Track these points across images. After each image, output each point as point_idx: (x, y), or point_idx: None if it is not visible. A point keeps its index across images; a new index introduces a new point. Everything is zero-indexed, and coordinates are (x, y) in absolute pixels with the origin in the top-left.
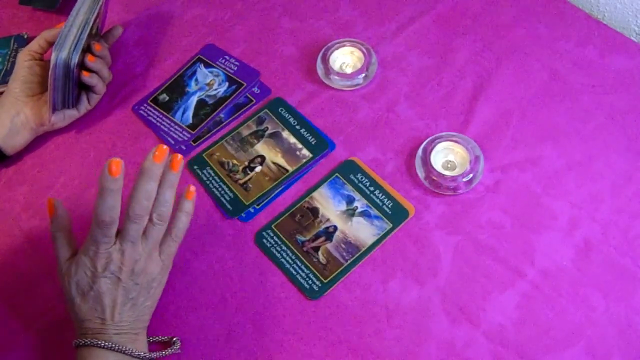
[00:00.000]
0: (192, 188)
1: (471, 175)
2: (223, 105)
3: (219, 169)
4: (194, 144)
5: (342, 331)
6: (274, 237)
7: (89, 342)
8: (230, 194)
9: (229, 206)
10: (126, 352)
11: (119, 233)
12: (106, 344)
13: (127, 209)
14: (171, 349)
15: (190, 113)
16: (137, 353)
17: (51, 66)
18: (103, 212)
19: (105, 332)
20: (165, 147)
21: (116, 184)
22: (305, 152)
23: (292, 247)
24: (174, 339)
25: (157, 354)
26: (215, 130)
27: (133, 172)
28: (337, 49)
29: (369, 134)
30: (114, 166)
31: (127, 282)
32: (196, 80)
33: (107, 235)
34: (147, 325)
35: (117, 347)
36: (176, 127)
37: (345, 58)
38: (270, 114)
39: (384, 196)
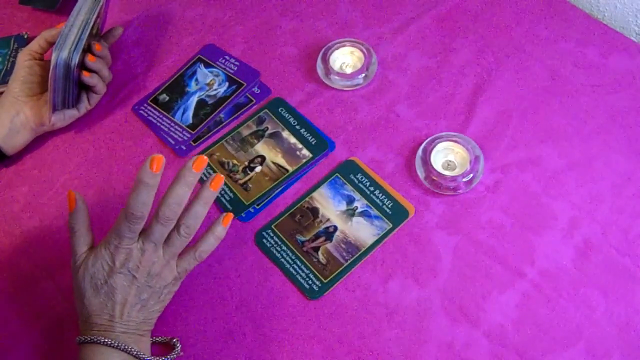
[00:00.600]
0: (230, 216)
1: (471, 175)
2: (223, 105)
3: (219, 169)
4: (194, 144)
5: (342, 331)
6: (274, 237)
7: (94, 339)
8: (230, 194)
9: (229, 206)
10: (131, 352)
11: (143, 232)
12: (112, 342)
13: (157, 211)
14: (173, 354)
15: (190, 113)
16: (141, 355)
17: (51, 66)
18: (135, 206)
19: (112, 329)
20: (205, 157)
21: (154, 179)
22: (305, 152)
23: (292, 247)
24: (174, 340)
25: (160, 358)
26: (215, 130)
27: (134, 173)
28: (337, 49)
29: (369, 134)
30: (155, 162)
31: (142, 282)
32: (196, 80)
33: (132, 230)
34: (152, 328)
35: (122, 346)
36: (176, 127)
37: (345, 58)
38: (270, 114)
39: (384, 196)
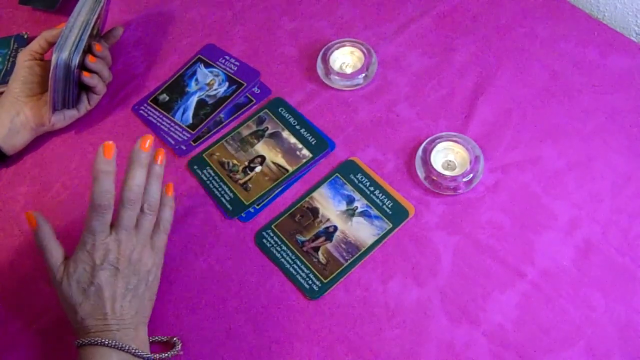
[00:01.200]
0: (170, 184)
1: (471, 175)
2: (223, 105)
3: (219, 169)
4: (194, 144)
5: (342, 331)
6: (274, 237)
7: (92, 341)
8: (230, 194)
9: (229, 206)
10: (129, 351)
11: (113, 224)
12: (110, 341)
13: (121, 198)
14: (173, 351)
15: (190, 113)
16: (140, 353)
17: (52, 67)
18: (100, 196)
19: (107, 328)
20: (150, 136)
21: (110, 165)
22: (305, 152)
23: (292, 247)
24: (174, 339)
25: (159, 355)
26: (215, 130)
27: None
28: (337, 49)
29: (369, 134)
30: (106, 149)
31: (125, 271)
32: (196, 80)
33: (103, 222)
34: (147, 321)
35: (119, 345)
36: (176, 127)
37: (345, 58)
38: (270, 114)
39: (384, 196)
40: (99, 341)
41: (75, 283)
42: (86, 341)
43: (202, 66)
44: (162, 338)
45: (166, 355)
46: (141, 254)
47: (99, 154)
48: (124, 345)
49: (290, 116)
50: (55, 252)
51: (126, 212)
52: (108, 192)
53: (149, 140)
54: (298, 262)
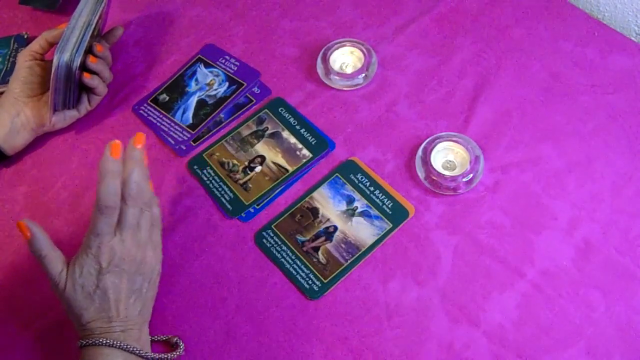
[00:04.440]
0: (150, 182)
1: (471, 175)
2: (223, 105)
3: (219, 169)
4: (194, 144)
5: (342, 331)
6: (274, 237)
7: (96, 342)
8: (230, 194)
9: (229, 206)
10: (133, 351)
11: (117, 225)
12: (114, 342)
13: (123, 196)
14: (177, 352)
15: (190, 113)
16: (144, 353)
17: (53, 68)
18: (106, 197)
19: (112, 330)
20: (142, 134)
21: (117, 165)
22: (305, 152)
23: (292, 247)
24: (175, 339)
25: (163, 355)
26: (215, 130)
27: None
28: (337, 49)
29: (369, 134)
30: (113, 148)
31: (131, 272)
32: (196, 80)
33: (109, 224)
34: (148, 319)
35: (124, 346)
36: (176, 127)
37: (345, 58)
38: (270, 114)
39: (384, 196)
40: (104, 342)
41: (80, 288)
42: (90, 342)
43: (202, 66)
44: (162, 337)
45: (169, 355)
46: (144, 252)
47: (106, 153)
48: (128, 346)
49: (290, 116)
50: (55, 260)
51: (129, 209)
52: (114, 193)
53: (142, 137)
54: (298, 262)
